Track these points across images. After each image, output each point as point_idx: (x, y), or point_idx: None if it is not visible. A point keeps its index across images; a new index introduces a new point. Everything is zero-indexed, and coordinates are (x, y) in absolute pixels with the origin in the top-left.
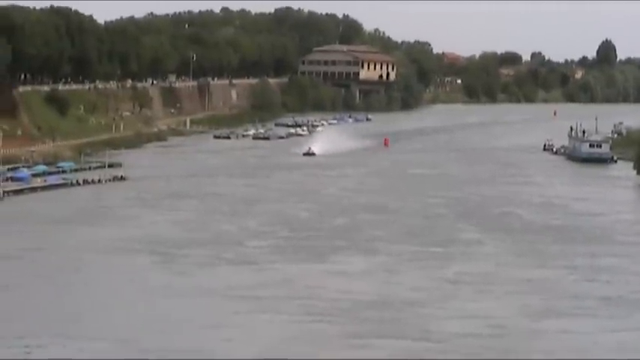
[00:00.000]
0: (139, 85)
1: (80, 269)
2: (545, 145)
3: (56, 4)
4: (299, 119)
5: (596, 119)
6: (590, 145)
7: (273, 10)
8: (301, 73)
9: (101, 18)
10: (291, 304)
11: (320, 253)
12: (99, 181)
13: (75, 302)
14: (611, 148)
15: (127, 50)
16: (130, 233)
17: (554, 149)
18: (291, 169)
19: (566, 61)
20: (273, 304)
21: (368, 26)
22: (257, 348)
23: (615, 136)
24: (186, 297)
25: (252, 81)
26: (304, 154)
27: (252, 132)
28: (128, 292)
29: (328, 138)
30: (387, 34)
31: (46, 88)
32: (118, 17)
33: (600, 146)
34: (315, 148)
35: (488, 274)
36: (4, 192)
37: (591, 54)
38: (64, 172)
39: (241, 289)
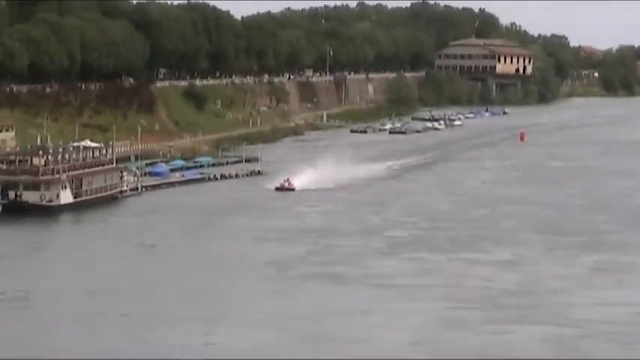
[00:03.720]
0: (276, 79)
1: (235, 258)
2: None
3: (193, 0)
4: (436, 113)
5: None
6: None
7: (409, 5)
8: (438, 67)
9: (238, 14)
10: (435, 292)
11: (461, 243)
12: (236, 175)
13: (232, 290)
14: None
15: (264, 45)
16: (279, 224)
17: None
18: (434, 163)
19: None
20: (418, 291)
21: (504, 20)
22: (405, 333)
23: None
24: (336, 284)
25: (389, 75)
26: None
27: (388, 126)
28: (281, 280)
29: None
30: (523, 27)
31: (183, 83)
32: (255, 13)
33: None
34: None
35: (629, 263)
36: (142, 187)
37: None
38: (201, 166)
39: (387, 277)
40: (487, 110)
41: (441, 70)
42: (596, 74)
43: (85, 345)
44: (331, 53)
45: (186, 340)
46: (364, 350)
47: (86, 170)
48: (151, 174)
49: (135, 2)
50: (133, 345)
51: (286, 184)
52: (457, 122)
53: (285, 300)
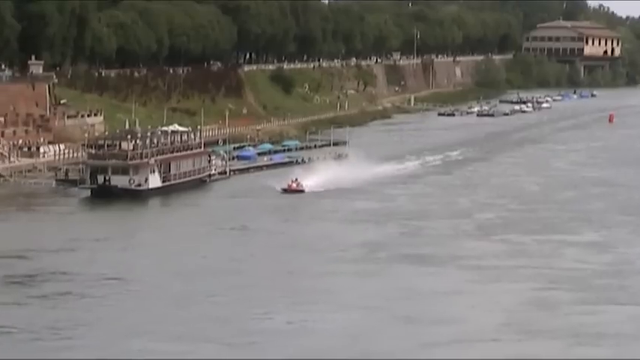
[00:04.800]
0: (364, 63)
1: (326, 240)
2: None
3: None
4: (523, 96)
5: None
6: None
7: None
8: (525, 50)
9: None
10: (525, 273)
11: (550, 225)
12: (324, 159)
13: (323, 272)
14: None
15: (352, 29)
16: (369, 206)
17: None
18: (522, 145)
19: None
20: (508, 272)
21: (592, 2)
22: (496, 314)
23: None
24: (426, 266)
25: (477, 58)
26: None
27: (476, 109)
28: (372, 262)
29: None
30: (610, 9)
31: (271, 67)
32: None
33: None
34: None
35: None
36: (230, 170)
37: None
38: (289, 150)
39: (477, 258)
40: (575, 92)
41: (528, 52)
42: None
43: (180, 327)
44: (419, 36)
45: (279, 321)
46: (457, 331)
47: (174, 154)
48: (238, 158)
49: None
50: (226, 327)
51: (294, 185)
52: (545, 105)
53: (377, 281)
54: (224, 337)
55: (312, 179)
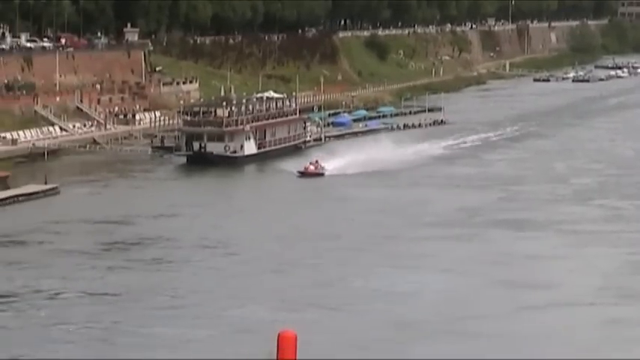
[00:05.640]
0: (458, 29)
1: (423, 204)
2: None
3: None
4: (619, 61)
5: None
6: None
7: None
8: (621, 15)
9: None
10: (623, 237)
11: None
12: (419, 125)
13: (421, 236)
14: None
15: None
16: (465, 171)
17: None
18: (618, 110)
19: None
20: (605, 237)
21: None
22: (594, 279)
23: None
24: (524, 231)
25: (572, 23)
26: None
27: (571, 75)
28: (470, 226)
29: None
30: None
31: (365, 33)
32: None
33: None
34: None
35: None
36: (325, 137)
37: None
38: (384, 116)
39: (575, 223)
40: None
41: (624, 17)
42: None
43: (281, 292)
44: (513, 2)
45: (378, 285)
46: (554, 295)
47: (270, 121)
48: (333, 124)
49: None
50: (327, 292)
51: (312, 168)
52: None
53: (474, 246)
54: (326, 301)
55: (338, 160)
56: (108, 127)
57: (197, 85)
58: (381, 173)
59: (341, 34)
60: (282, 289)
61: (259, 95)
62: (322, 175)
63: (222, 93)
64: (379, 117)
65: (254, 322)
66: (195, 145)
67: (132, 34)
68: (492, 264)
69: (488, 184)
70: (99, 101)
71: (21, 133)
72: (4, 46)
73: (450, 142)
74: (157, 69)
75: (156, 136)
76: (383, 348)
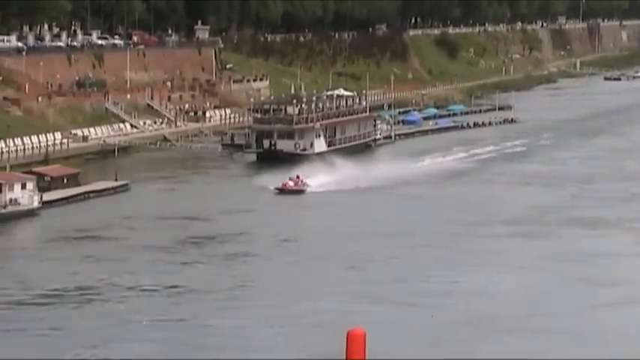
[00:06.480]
0: (529, 27)
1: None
2: None
3: None
4: None
5: None
6: None
7: None
8: None
9: None
10: None
11: None
12: (489, 123)
13: (492, 234)
14: None
15: None
16: (536, 169)
17: None
18: None
19: None
20: None
21: None
22: None
23: None
24: (597, 228)
25: None
26: None
27: None
28: (543, 224)
29: None
30: None
31: (435, 31)
32: None
33: None
34: None
35: None
36: (395, 135)
37: None
38: (454, 115)
39: None
40: None
41: None
42: None
43: (354, 287)
44: (584, 0)
45: (451, 282)
46: (627, 292)
47: (340, 119)
48: (404, 122)
49: None
50: (400, 287)
51: (291, 184)
52: None
53: (547, 243)
54: (398, 297)
55: (323, 176)
56: (178, 124)
57: (267, 82)
58: (452, 172)
59: (411, 32)
60: (354, 284)
61: (329, 93)
62: (303, 191)
63: (293, 91)
64: (449, 115)
65: (324, 318)
66: (266, 143)
67: (203, 32)
68: (565, 261)
69: (560, 182)
70: (169, 98)
71: (92, 130)
72: (75, 44)
73: (522, 141)
74: (228, 66)
75: (226, 134)
76: (453, 346)
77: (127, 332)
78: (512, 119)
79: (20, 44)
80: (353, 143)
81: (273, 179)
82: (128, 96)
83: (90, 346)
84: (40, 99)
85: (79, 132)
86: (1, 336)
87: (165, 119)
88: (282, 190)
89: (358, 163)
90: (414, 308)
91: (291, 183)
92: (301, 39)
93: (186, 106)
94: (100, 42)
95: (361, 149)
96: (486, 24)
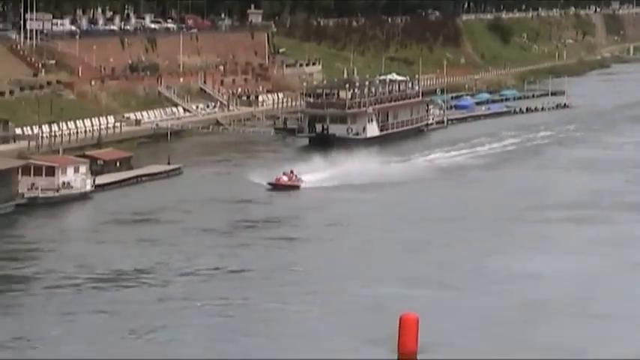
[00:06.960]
0: (582, 12)
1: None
2: None
3: None
4: None
5: None
6: None
7: None
8: None
9: None
10: None
11: None
12: (542, 108)
13: (545, 219)
14: None
15: None
16: (589, 154)
17: None
18: None
19: None
20: None
21: None
22: None
23: None
24: None
25: None
26: None
27: None
28: (595, 209)
29: None
30: None
31: (489, 16)
32: None
33: None
34: None
35: None
36: (448, 120)
37: None
38: (506, 100)
39: None
40: None
41: None
42: None
43: (406, 271)
44: None
45: (505, 266)
46: None
47: (392, 103)
48: (456, 107)
49: None
50: (452, 272)
51: (284, 179)
52: None
53: (601, 228)
54: (451, 281)
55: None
56: (231, 108)
57: (320, 67)
58: (506, 157)
59: (464, 17)
60: (407, 268)
61: (382, 77)
62: (297, 187)
63: (345, 75)
64: (502, 100)
65: (377, 302)
66: (318, 127)
67: (255, 16)
68: (619, 246)
69: (613, 167)
70: (222, 82)
71: (144, 113)
72: (128, 27)
73: (575, 126)
74: (280, 50)
75: (278, 118)
76: (505, 330)
77: (182, 317)
78: (565, 104)
79: (74, 28)
80: (405, 128)
81: (324, 164)
82: (181, 80)
83: (147, 330)
84: (93, 83)
85: (131, 116)
86: (59, 318)
87: (218, 103)
88: (275, 186)
89: (411, 148)
90: (467, 292)
91: (284, 178)
92: (354, 23)
93: (239, 90)
94: (153, 26)
95: (413, 134)
96: (539, 9)
